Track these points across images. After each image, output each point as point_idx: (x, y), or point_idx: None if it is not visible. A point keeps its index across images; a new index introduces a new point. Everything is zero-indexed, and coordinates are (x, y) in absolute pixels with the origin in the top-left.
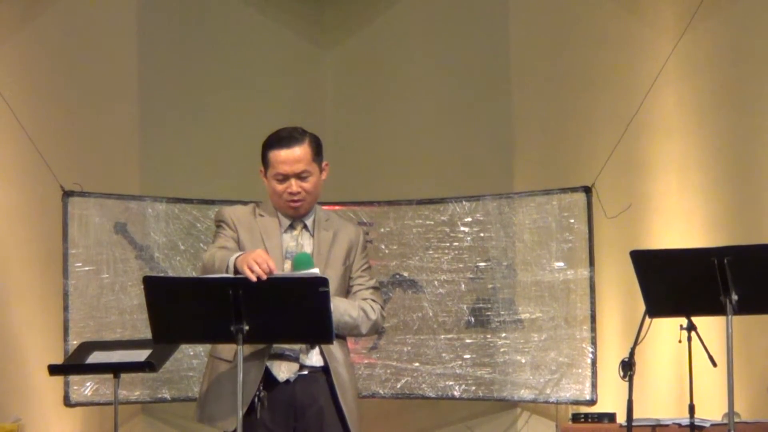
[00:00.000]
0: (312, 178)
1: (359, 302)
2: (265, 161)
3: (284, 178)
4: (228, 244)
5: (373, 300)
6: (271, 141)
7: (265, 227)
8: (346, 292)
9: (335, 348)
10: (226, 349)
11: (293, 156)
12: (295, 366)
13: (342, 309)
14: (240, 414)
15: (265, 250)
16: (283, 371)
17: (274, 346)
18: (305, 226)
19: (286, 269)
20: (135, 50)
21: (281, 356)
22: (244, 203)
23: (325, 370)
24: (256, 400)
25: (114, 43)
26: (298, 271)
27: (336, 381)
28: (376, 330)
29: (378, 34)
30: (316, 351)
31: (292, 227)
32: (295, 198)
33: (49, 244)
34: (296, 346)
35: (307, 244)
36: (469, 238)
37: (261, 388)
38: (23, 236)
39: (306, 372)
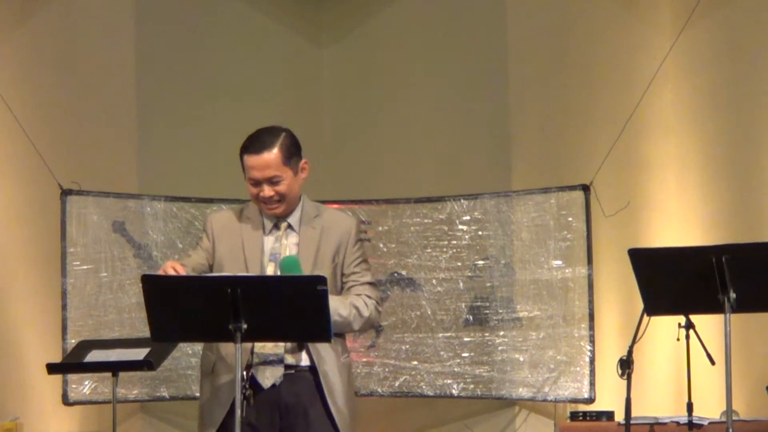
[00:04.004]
0: (284, 182)
1: (351, 298)
2: (242, 164)
3: (257, 182)
4: (192, 259)
5: (368, 296)
6: (245, 144)
7: (247, 231)
8: (339, 289)
9: (325, 349)
10: (205, 363)
11: (261, 162)
12: (279, 371)
13: (332, 308)
14: (234, 411)
15: (178, 263)
16: (268, 377)
17: (257, 352)
18: (289, 226)
19: (268, 272)
20: (132, 48)
21: (265, 362)
22: (243, 202)
23: (312, 369)
24: (242, 398)
25: (112, 42)
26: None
27: (324, 382)
28: (372, 325)
29: (376, 32)
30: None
31: (276, 227)
32: (269, 202)
33: (48, 242)
34: (280, 350)
35: (291, 243)
36: (467, 237)
37: (247, 387)
38: (21, 235)
39: (292, 371)
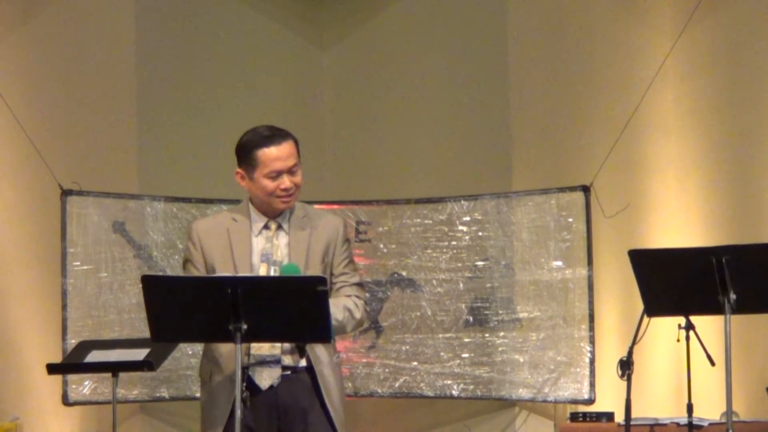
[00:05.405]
0: (300, 172)
1: (343, 301)
2: (252, 161)
3: (278, 174)
4: (193, 272)
5: (357, 296)
6: (257, 141)
7: (235, 233)
8: (328, 289)
9: (320, 349)
10: (203, 372)
11: (285, 151)
12: (276, 372)
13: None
14: (237, 411)
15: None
16: (265, 378)
17: (253, 353)
18: (280, 226)
19: (260, 273)
20: (133, 49)
21: (262, 363)
22: (237, 202)
23: (309, 369)
24: (240, 400)
25: (112, 42)
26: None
27: (321, 382)
28: (360, 326)
29: (376, 33)
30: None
31: (266, 228)
32: (289, 193)
33: (48, 243)
34: (276, 351)
35: (282, 244)
36: (467, 238)
37: (244, 388)
38: (22, 235)
39: (289, 372)
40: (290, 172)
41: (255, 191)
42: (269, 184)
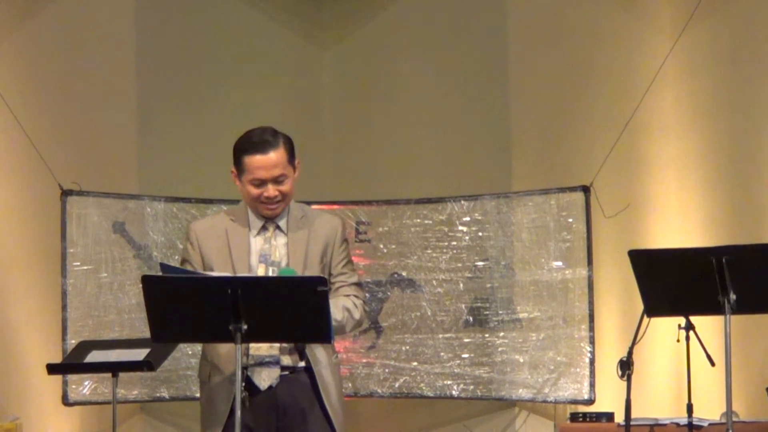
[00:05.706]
0: (288, 181)
1: (342, 301)
2: (240, 166)
3: (261, 183)
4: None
5: (356, 296)
6: (246, 146)
7: (233, 234)
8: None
9: (318, 349)
10: (202, 372)
11: (270, 161)
12: (275, 372)
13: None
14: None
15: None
16: (264, 379)
17: (252, 354)
18: (278, 227)
19: (259, 274)
20: (133, 49)
21: (261, 363)
22: (237, 202)
23: (308, 370)
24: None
25: (112, 42)
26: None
27: (320, 382)
28: (359, 326)
29: (376, 33)
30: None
31: (264, 228)
32: (273, 201)
33: (48, 243)
34: (275, 351)
35: (280, 244)
36: (467, 238)
37: (243, 388)
38: (22, 235)
39: (288, 372)
40: (275, 181)
41: (243, 193)
42: (253, 191)
